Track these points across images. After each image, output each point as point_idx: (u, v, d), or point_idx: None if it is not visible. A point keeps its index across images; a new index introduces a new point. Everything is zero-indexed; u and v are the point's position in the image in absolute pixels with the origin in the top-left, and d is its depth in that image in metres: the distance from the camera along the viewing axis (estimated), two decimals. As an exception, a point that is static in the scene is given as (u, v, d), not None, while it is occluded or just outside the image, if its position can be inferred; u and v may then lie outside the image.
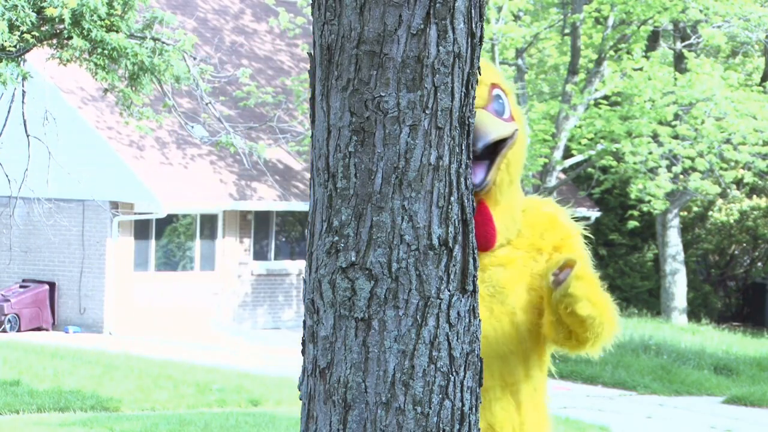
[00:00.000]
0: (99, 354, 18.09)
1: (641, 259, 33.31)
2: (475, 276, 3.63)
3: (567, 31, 27.43)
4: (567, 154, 28.20)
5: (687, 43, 28.32)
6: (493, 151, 4.43)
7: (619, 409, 16.98)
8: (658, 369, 20.27)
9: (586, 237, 4.78)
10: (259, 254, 24.64)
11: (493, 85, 4.52)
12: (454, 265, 3.54)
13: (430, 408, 3.50)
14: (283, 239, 25.40)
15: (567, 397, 17.50)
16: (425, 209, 3.50)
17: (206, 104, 15.47)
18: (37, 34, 12.58)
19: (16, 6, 12.28)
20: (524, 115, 4.61)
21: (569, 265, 4.36)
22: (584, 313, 4.37)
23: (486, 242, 4.45)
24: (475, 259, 3.62)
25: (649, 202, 26.67)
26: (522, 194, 4.69)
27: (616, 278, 32.42)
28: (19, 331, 21.89)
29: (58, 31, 12.68)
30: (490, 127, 4.40)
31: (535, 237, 4.59)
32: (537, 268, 4.54)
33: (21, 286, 22.63)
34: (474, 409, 3.61)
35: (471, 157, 3.65)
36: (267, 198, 23.93)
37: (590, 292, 4.40)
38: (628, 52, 26.74)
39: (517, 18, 26.95)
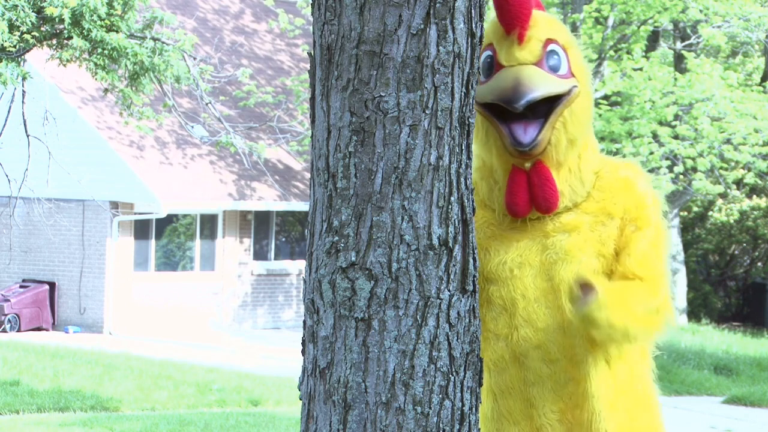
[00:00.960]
0: (99, 354, 18.09)
1: (641, 259, 33.26)
2: (475, 276, 3.63)
3: (567, 31, 27.41)
4: (567, 154, 28.18)
5: (687, 43, 28.31)
6: (549, 109, 4.22)
7: (619, 409, 16.97)
8: (658, 369, 20.24)
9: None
10: (259, 254, 24.64)
11: (549, 41, 4.28)
12: (454, 265, 3.54)
13: (430, 408, 3.50)
14: (283, 239, 25.40)
15: (567, 397, 17.47)
16: (425, 209, 3.50)
17: (206, 104, 15.48)
18: (37, 34, 12.59)
19: (16, 6, 12.29)
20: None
21: (587, 286, 4.08)
22: (600, 339, 4.18)
23: (547, 204, 4.24)
24: (475, 259, 3.62)
25: (649, 201, 26.65)
26: (596, 155, 4.41)
27: (616, 278, 32.38)
28: (19, 331, 21.89)
29: (58, 31, 12.69)
30: (537, 83, 4.18)
31: (606, 201, 4.32)
32: (606, 234, 4.29)
33: (21, 286, 22.62)
34: (474, 409, 3.61)
35: (471, 157, 3.64)
36: (267, 198, 23.92)
37: (613, 315, 4.11)
38: (628, 52, 26.72)
39: (517, 18, 26.93)
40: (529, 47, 4.26)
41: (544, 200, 4.25)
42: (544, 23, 4.31)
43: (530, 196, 4.27)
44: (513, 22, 4.22)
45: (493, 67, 4.29)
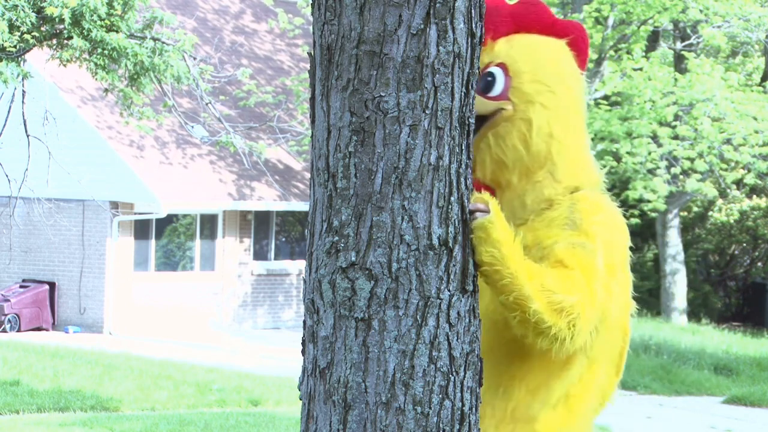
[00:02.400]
0: (99, 354, 18.09)
1: (641, 259, 33.32)
2: (475, 276, 3.63)
3: (567, 31, 27.40)
4: (567, 154, 28.17)
5: (687, 43, 28.31)
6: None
7: (619, 409, 16.98)
8: (658, 369, 20.27)
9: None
10: (259, 254, 24.64)
11: (491, 64, 4.19)
12: (454, 265, 3.54)
13: (430, 408, 3.50)
14: (283, 239, 25.40)
15: (567, 397, 17.47)
16: (425, 209, 3.50)
17: (206, 104, 15.48)
18: (37, 34, 12.58)
19: (17, 6, 12.29)
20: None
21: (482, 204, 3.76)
22: (482, 259, 3.71)
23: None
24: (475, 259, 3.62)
25: (649, 202, 26.67)
26: (557, 184, 4.17)
27: (616, 278, 32.36)
28: (19, 331, 21.89)
29: (58, 31, 12.68)
30: None
31: (541, 232, 4.09)
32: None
33: (21, 286, 22.62)
34: (474, 409, 3.61)
35: (471, 157, 3.65)
36: (267, 198, 23.93)
37: (505, 247, 3.71)
38: (628, 52, 26.72)
39: (517, 18, 26.93)
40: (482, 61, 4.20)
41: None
42: (505, 46, 4.23)
43: None
44: (486, 28, 4.11)
45: None
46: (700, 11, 25.49)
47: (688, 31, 28.59)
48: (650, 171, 26.84)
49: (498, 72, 4.20)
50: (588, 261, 4.01)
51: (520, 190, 4.17)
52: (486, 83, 4.18)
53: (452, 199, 3.54)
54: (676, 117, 26.29)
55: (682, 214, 32.37)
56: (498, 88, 4.18)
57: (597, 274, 4.03)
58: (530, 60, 4.25)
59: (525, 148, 4.16)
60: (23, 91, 13.27)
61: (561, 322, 3.82)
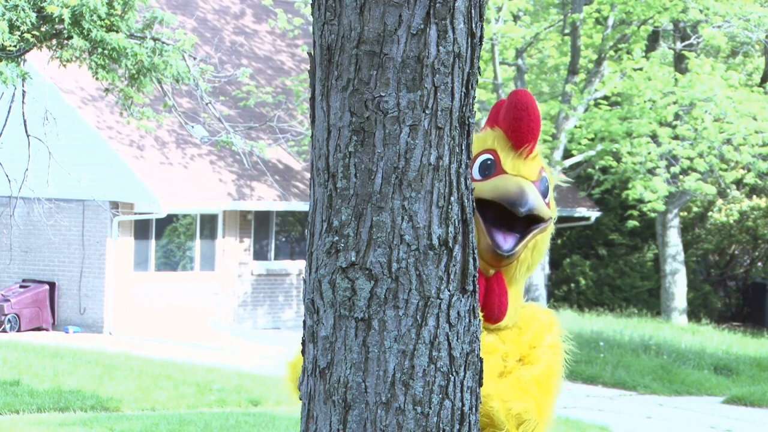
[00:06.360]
0: (99, 354, 18.09)
1: (641, 259, 33.30)
2: (475, 276, 3.63)
3: (567, 31, 27.42)
4: (567, 154, 28.20)
5: (687, 43, 28.30)
6: (526, 227, 4.40)
7: (619, 409, 16.98)
8: (658, 369, 20.27)
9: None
10: (259, 254, 24.64)
11: (543, 168, 4.53)
12: (454, 265, 3.54)
13: (430, 408, 3.50)
14: (283, 239, 25.40)
15: (567, 397, 17.49)
16: (425, 209, 3.50)
17: (206, 104, 15.47)
18: (37, 34, 12.58)
19: (17, 6, 12.28)
20: None
21: None
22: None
23: (499, 313, 4.39)
24: (475, 259, 3.62)
25: (648, 202, 26.68)
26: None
27: (616, 278, 32.41)
28: (19, 331, 21.89)
29: (57, 31, 12.68)
30: (536, 198, 4.38)
31: (519, 337, 4.50)
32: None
33: (21, 286, 22.62)
34: (474, 409, 3.61)
35: (471, 157, 3.65)
36: (267, 198, 23.93)
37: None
38: (628, 52, 26.72)
39: (516, 18, 26.94)
40: (532, 165, 4.48)
41: (498, 308, 4.38)
42: (539, 155, 4.54)
43: (484, 301, 4.37)
44: (526, 137, 4.42)
45: (493, 169, 4.44)
46: (700, 11, 25.49)
47: (688, 31, 28.58)
48: (650, 171, 26.84)
49: (548, 180, 4.55)
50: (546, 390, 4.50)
51: (518, 291, 4.49)
52: (543, 188, 4.49)
53: (452, 199, 3.54)
54: (677, 117, 26.29)
55: (682, 214, 32.36)
56: (548, 196, 4.55)
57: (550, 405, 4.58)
58: (549, 169, 4.63)
59: (541, 261, 4.59)
60: (23, 91, 13.27)
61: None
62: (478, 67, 3.62)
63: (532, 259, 4.45)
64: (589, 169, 29.25)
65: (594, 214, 30.36)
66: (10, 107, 13.74)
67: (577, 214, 30.42)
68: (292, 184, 24.63)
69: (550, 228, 4.52)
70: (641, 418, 16.18)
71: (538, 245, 4.46)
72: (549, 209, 4.50)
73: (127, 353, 18.57)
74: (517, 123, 4.42)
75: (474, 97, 3.62)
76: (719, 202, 33.46)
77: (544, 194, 4.49)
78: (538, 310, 4.66)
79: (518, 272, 4.41)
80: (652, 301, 31.69)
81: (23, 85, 13.17)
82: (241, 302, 24.28)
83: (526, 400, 4.34)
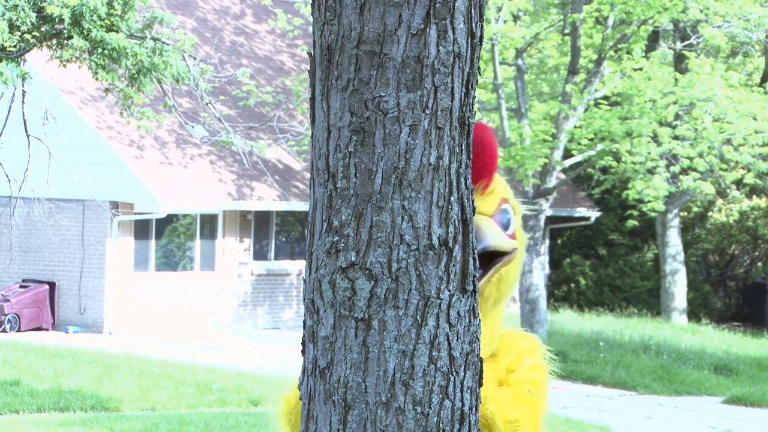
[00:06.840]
0: (99, 354, 18.09)
1: (641, 259, 33.30)
2: (475, 276, 3.63)
3: (567, 31, 27.41)
4: (567, 154, 28.19)
5: (687, 43, 28.29)
6: (488, 262, 4.35)
7: (619, 409, 16.98)
8: (658, 369, 20.27)
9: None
10: (259, 254, 24.64)
11: (504, 200, 4.47)
12: (454, 265, 3.54)
13: (430, 408, 3.50)
14: (283, 239, 25.40)
15: (567, 397, 17.49)
16: (425, 209, 3.50)
17: (206, 104, 15.47)
18: (37, 34, 12.58)
19: (17, 6, 12.28)
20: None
21: None
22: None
23: None
24: (475, 259, 3.62)
25: (648, 202, 26.67)
26: (504, 320, 4.63)
27: (616, 278, 32.40)
28: (19, 331, 21.89)
29: (57, 31, 12.68)
30: (492, 234, 4.34)
31: (499, 365, 4.48)
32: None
33: (21, 286, 22.62)
34: (474, 409, 3.61)
35: (471, 157, 3.65)
36: (267, 198, 23.93)
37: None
38: (628, 52, 26.70)
39: (516, 18, 26.94)
40: (489, 200, 4.42)
41: None
42: (500, 182, 4.50)
43: None
44: (482, 174, 4.35)
45: None
46: (700, 11, 25.47)
47: (688, 31, 28.57)
48: (650, 170, 26.83)
49: (511, 211, 4.48)
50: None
51: (492, 325, 4.43)
52: (505, 220, 4.43)
53: (452, 199, 3.54)
54: (677, 117, 26.28)
55: (682, 214, 32.36)
56: (512, 227, 4.48)
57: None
58: (513, 197, 4.56)
59: (513, 287, 4.50)
60: (23, 91, 13.27)
61: None
62: (478, 67, 3.62)
63: (498, 293, 4.40)
64: (589, 169, 29.24)
65: (594, 214, 30.37)
66: (10, 107, 13.74)
67: (577, 214, 30.44)
68: (292, 184, 24.63)
69: (518, 258, 4.46)
70: (641, 418, 16.19)
71: (504, 278, 4.40)
72: (513, 240, 4.44)
73: (127, 353, 18.57)
74: (473, 159, 4.32)
75: (474, 97, 3.61)
76: (719, 202, 33.46)
77: (506, 226, 4.42)
78: (520, 336, 4.62)
79: (485, 307, 4.32)
80: (652, 301, 31.69)
81: (23, 85, 13.17)
82: (241, 302, 24.28)
83: (523, 409, 4.35)
